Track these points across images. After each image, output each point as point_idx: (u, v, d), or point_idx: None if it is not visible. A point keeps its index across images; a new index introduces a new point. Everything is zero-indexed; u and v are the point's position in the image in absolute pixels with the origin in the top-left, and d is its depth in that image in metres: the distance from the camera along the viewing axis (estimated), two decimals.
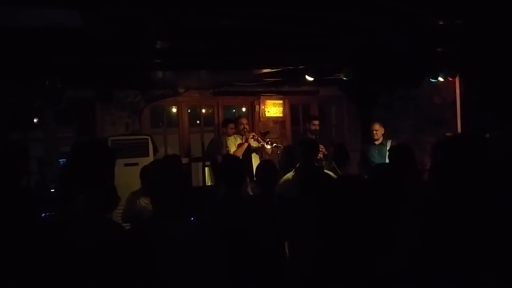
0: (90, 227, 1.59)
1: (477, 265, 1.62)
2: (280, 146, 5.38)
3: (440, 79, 5.31)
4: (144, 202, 3.50)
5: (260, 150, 5.34)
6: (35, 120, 6.48)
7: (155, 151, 5.31)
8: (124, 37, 3.30)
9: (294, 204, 2.78)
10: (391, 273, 1.47)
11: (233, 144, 5.26)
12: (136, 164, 4.56)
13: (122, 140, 5.00)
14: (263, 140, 5.31)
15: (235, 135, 5.38)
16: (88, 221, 1.60)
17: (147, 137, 5.20)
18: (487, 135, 4.71)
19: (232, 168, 2.88)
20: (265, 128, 6.19)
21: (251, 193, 4.39)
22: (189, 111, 6.43)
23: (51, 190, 2.98)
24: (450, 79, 5.45)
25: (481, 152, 2.10)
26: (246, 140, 5.17)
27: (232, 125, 5.50)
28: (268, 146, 5.23)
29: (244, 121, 5.41)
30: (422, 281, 1.56)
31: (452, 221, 1.87)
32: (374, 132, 5.18)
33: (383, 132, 5.23)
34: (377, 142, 5.19)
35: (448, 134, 5.75)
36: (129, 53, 3.77)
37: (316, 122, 5.45)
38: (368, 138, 5.37)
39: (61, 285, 1.48)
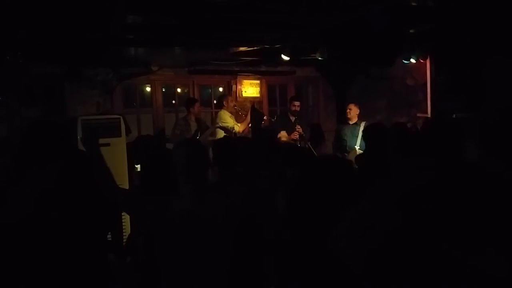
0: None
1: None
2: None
3: (412, 60, 5.39)
4: None
5: (229, 130, 5.40)
6: None
7: (128, 131, 5.17)
8: (92, 9, 3.14)
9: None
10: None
11: (228, 117, 5.43)
12: (108, 144, 4.41)
13: (93, 120, 4.83)
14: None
15: (224, 110, 5.52)
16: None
17: (119, 117, 5.05)
18: (454, 116, 4.85)
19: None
20: (242, 108, 6.14)
21: None
22: (163, 90, 6.27)
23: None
24: (422, 60, 5.55)
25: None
26: (246, 115, 5.41)
27: (198, 104, 5.59)
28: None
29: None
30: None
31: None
32: (348, 111, 5.24)
33: (357, 113, 5.27)
34: (351, 122, 5.25)
35: (418, 114, 5.90)
36: (99, 27, 3.59)
37: (297, 103, 5.53)
38: (343, 118, 5.43)
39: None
